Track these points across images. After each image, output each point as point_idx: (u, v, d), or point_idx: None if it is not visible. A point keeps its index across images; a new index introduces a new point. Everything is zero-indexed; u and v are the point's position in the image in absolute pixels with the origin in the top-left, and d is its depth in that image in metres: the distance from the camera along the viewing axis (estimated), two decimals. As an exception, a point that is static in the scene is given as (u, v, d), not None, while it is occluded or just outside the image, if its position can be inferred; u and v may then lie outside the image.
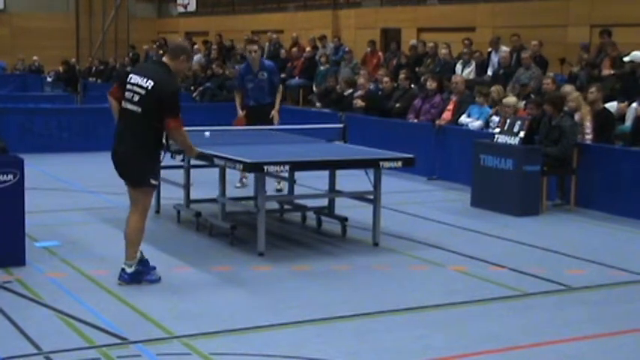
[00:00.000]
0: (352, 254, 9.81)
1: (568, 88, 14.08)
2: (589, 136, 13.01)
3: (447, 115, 15.77)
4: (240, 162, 9.31)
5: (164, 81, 7.98)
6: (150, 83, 7.92)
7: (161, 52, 31.34)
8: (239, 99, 13.84)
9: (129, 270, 8.26)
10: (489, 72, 18.80)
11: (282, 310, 7.66)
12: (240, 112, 13.71)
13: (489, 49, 19.47)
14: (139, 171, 8.14)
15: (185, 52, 8.25)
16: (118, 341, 6.72)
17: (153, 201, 11.72)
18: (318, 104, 20.15)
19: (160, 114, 7.92)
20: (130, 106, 8.03)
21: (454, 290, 8.42)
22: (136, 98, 7.97)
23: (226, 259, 9.43)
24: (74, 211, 11.93)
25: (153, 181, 8.17)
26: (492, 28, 21.25)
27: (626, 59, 15.13)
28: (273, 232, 10.51)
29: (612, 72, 15.93)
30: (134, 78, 8.06)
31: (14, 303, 7.65)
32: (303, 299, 8.03)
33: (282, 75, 23.56)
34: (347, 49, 22.95)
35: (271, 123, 13.28)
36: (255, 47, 13.84)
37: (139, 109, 7.96)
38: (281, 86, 14.14)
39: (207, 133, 11.09)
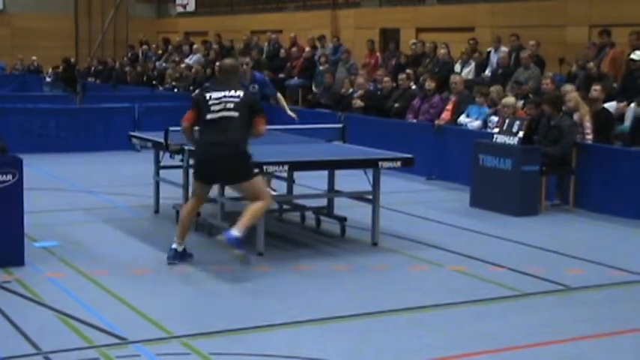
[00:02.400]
0: (351, 254, 9.81)
1: (568, 87, 14.08)
2: (589, 136, 13.00)
3: (446, 115, 15.77)
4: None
5: (247, 93, 9.25)
6: (239, 93, 8.97)
7: (160, 51, 31.47)
8: None
9: (239, 234, 8.69)
10: (488, 72, 18.80)
11: (281, 310, 7.66)
12: None
13: (489, 49, 19.47)
14: (245, 166, 8.89)
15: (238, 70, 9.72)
16: (117, 341, 6.72)
17: (152, 201, 11.82)
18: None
19: (249, 116, 8.93)
20: (225, 113, 8.85)
21: (453, 290, 8.42)
22: (231, 105, 8.86)
23: (225, 259, 9.42)
24: (73, 211, 11.92)
25: (252, 170, 8.94)
26: (491, 28, 21.24)
27: (633, 56, 15.10)
28: (272, 232, 10.50)
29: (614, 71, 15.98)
30: (215, 94, 8.96)
31: (13, 303, 7.65)
32: (303, 299, 8.03)
33: (281, 75, 23.60)
34: (345, 49, 22.94)
35: None
36: (248, 60, 13.58)
37: (236, 114, 8.84)
38: (279, 93, 13.89)
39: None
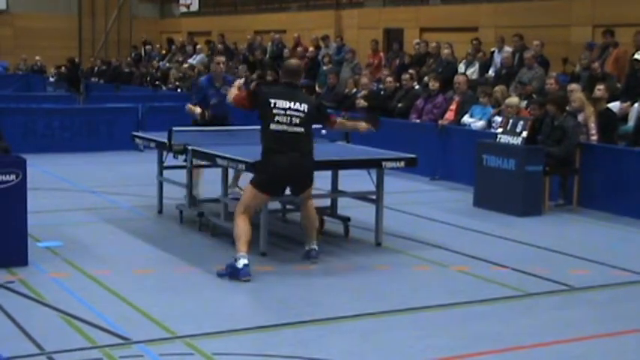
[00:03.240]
0: (355, 254, 9.81)
1: (574, 86, 14.06)
2: (594, 137, 12.98)
3: (449, 115, 15.76)
4: (242, 162, 9.31)
5: (310, 101, 9.10)
6: (305, 107, 8.84)
7: (164, 51, 31.49)
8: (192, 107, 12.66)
9: (317, 247, 9.26)
10: (491, 72, 18.79)
11: (284, 310, 7.66)
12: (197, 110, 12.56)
13: (492, 49, 19.47)
14: (311, 177, 9.12)
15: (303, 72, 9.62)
16: (121, 341, 6.72)
17: (155, 201, 11.82)
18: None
19: (317, 123, 9.16)
20: (291, 129, 8.77)
21: (456, 290, 8.41)
22: (297, 121, 8.78)
23: (229, 259, 9.41)
24: (77, 211, 11.93)
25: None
26: (495, 28, 21.24)
27: (637, 56, 15.09)
28: (275, 232, 10.50)
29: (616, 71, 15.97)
30: (281, 102, 8.78)
31: (17, 303, 7.65)
32: (306, 299, 8.03)
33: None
34: (349, 49, 22.94)
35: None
36: (224, 59, 13.47)
37: (302, 130, 8.81)
38: None
39: (323, 131, 11.20)
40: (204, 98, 12.58)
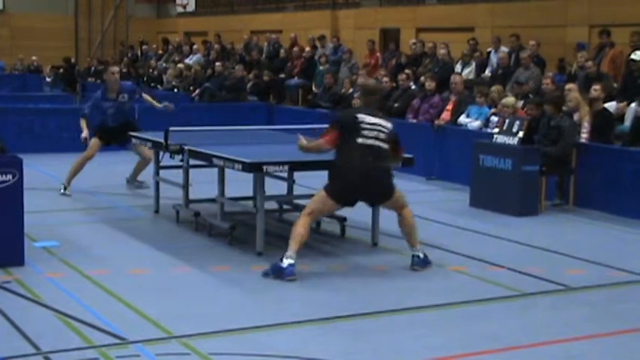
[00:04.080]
0: (351, 254, 9.81)
1: (570, 86, 14.07)
2: (585, 136, 12.98)
3: (446, 115, 15.77)
4: (239, 162, 9.30)
5: (391, 123, 9.18)
6: (389, 125, 9.01)
7: (160, 51, 31.48)
8: (85, 123, 13.13)
9: (422, 255, 9.21)
10: (488, 72, 18.80)
11: (281, 310, 7.66)
12: (85, 133, 13.05)
13: (489, 49, 19.48)
14: (388, 191, 9.08)
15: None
16: (117, 341, 6.72)
17: (152, 201, 11.82)
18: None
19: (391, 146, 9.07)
20: (377, 143, 8.85)
21: (453, 290, 8.42)
22: (382, 136, 8.89)
23: (225, 259, 9.43)
24: (73, 211, 11.93)
25: (394, 186, 9.15)
26: (491, 28, 21.25)
27: (633, 56, 15.10)
28: (272, 232, 10.50)
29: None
30: (369, 118, 8.90)
31: (13, 303, 7.65)
32: (302, 299, 8.03)
33: (282, 75, 23.61)
34: (346, 49, 22.95)
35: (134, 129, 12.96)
36: (117, 69, 13.41)
37: (386, 146, 8.92)
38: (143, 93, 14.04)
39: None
40: (98, 111, 13.00)
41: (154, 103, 14.06)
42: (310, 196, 10.94)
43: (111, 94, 13.04)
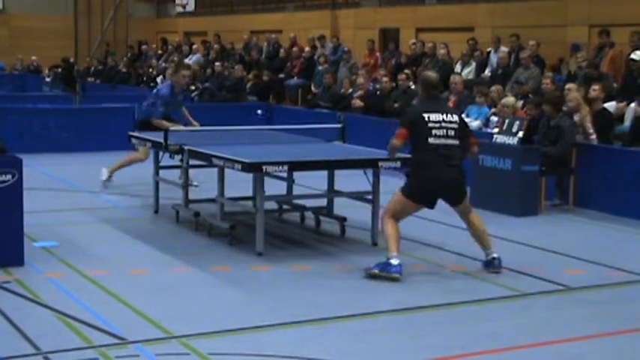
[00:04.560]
0: (351, 254, 9.81)
1: (570, 85, 14.06)
2: (593, 136, 12.96)
3: (445, 115, 15.74)
4: (238, 162, 9.30)
5: (457, 112, 9.26)
6: (455, 117, 8.95)
7: (160, 51, 31.46)
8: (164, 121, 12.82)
9: (497, 255, 9.13)
10: (487, 72, 18.80)
11: (280, 310, 7.66)
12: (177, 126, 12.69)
13: (489, 49, 19.48)
14: (465, 189, 9.14)
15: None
16: (117, 341, 6.72)
17: (151, 201, 11.82)
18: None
19: (464, 140, 9.02)
20: (448, 141, 8.82)
21: (453, 290, 8.42)
22: (452, 133, 8.83)
23: (225, 259, 9.43)
24: (73, 211, 11.92)
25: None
26: (491, 28, 21.24)
27: (633, 56, 15.12)
28: (271, 232, 10.50)
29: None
30: (434, 115, 8.82)
31: (13, 303, 7.65)
32: (302, 299, 8.03)
33: (281, 75, 23.62)
34: (346, 49, 22.95)
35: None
36: (189, 72, 13.77)
37: (457, 142, 8.87)
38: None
39: (259, 111, 11.24)
40: (167, 108, 13.06)
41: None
42: (310, 196, 11.01)
43: (177, 92, 13.29)
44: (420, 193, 8.94)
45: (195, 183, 13.05)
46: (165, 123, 12.59)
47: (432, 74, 9.46)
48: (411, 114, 9.11)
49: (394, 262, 8.67)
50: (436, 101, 9.15)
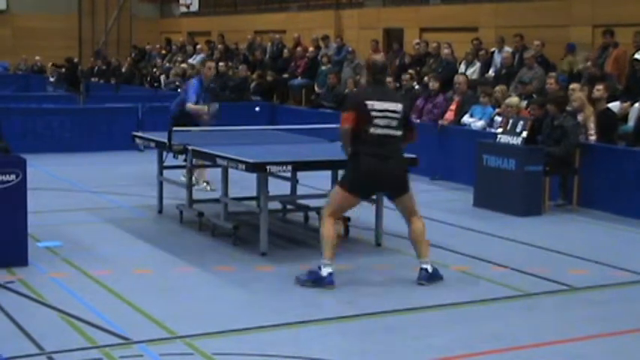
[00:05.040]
0: (355, 254, 9.80)
1: (574, 85, 14.05)
2: (593, 137, 12.99)
3: (449, 115, 15.76)
4: (242, 162, 9.31)
5: (403, 99, 8.95)
6: (399, 107, 8.60)
7: (163, 52, 31.48)
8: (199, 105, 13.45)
9: (430, 269, 8.70)
10: (491, 72, 18.79)
11: (284, 310, 7.66)
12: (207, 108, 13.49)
13: (493, 49, 19.46)
14: (406, 181, 8.77)
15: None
16: (121, 341, 6.73)
17: (155, 201, 11.83)
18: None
19: (406, 129, 8.72)
20: (390, 132, 8.51)
21: (457, 290, 8.41)
22: (394, 123, 8.53)
23: (229, 259, 9.43)
24: (76, 211, 11.93)
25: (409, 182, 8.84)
26: (495, 28, 21.22)
27: (637, 56, 15.11)
28: (275, 232, 10.50)
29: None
30: (378, 104, 8.48)
31: (17, 303, 7.65)
32: (306, 299, 8.03)
33: (285, 75, 23.61)
34: (350, 49, 22.94)
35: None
36: (214, 64, 14.26)
37: (399, 133, 8.59)
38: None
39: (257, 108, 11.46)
40: (197, 99, 13.34)
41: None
42: (314, 196, 10.99)
43: (206, 85, 13.76)
44: (360, 186, 8.58)
45: (211, 187, 13.15)
46: (199, 106, 13.17)
47: (378, 58, 9.14)
48: (354, 99, 8.83)
49: (324, 273, 8.34)
50: (382, 87, 8.82)
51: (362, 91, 8.95)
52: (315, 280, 8.36)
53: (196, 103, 13.25)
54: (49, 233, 10.31)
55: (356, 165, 8.53)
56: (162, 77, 27.44)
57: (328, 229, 8.48)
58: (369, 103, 8.48)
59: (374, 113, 8.45)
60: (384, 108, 8.49)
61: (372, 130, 8.44)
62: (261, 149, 10.38)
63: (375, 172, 8.48)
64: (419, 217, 8.83)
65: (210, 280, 8.63)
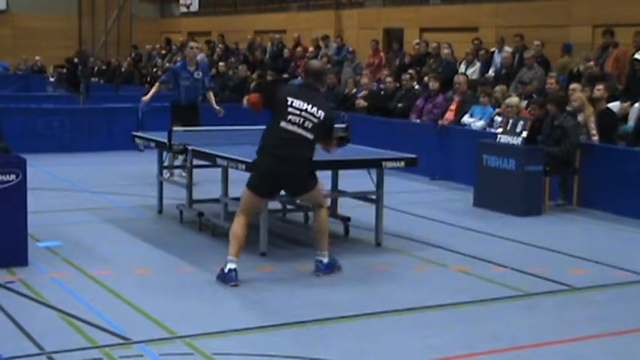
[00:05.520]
0: (355, 254, 9.80)
1: (575, 85, 14.06)
2: (595, 137, 12.97)
3: (449, 115, 15.76)
4: (242, 162, 9.30)
5: (330, 112, 8.84)
6: (321, 114, 8.52)
7: (163, 52, 31.49)
8: (156, 90, 14.71)
9: (325, 260, 8.80)
10: (491, 72, 18.79)
11: (284, 310, 7.66)
12: (146, 98, 14.87)
13: (493, 49, 19.47)
14: (305, 182, 8.73)
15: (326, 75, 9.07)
16: (121, 341, 6.72)
17: (155, 201, 11.83)
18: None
19: (321, 136, 8.65)
20: (300, 131, 8.46)
21: (457, 290, 8.41)
22: (309, 125, 8.47)
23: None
24: (76, 211, 11.93)
25: (313, 179, 8.80)
26: (495, 28, 21.24)
27: (637, 56, 15.11)
28: (275, 232, 10.50)
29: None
30: (297, 102, 8.49)
31: (17, 303, 7.65)
32: (306, 299, 8.03)
33: (285, 75, 23.60)
34: (350, 49, 22.94)
35: (197, 122, 13.91)
36: (197, 44, 14.64)
37: (311, 136, 8.51)
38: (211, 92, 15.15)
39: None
40: (174, 81, 14.26)
41: (212, 101, 14.88)
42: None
43: (190, 67, 14.25)
44: (260, 184, 8.61)
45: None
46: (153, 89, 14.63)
47: (315, 63, 9.13)
48: (278, 91, 8.76)
49: (226, 269, 8.36)
50: (309, 90, 8.73)
51: (289, 87, 9.03)
52: (222, 278, 8.40)
53: (165, 83, 14.51)
54: (49, 233, 10.31)
55: (258, 164, 8.63)
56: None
57: (235, 226, 8.58)
58: (289, 99, 8.52)
59: (290, 109, 8.46)
60: (304, 108, 8.48)
61: (284, 124, 8.46)
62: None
63: (271, 172, 8.54)
64: (325, 209, 8.97)
65: (210, 280, 8.62)
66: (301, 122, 8.45)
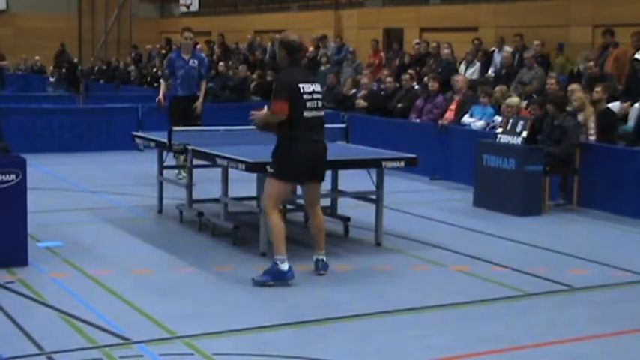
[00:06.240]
0: (355, 254, 9.81)
1: (574, 85, 14.07)
2: (592, 137, 12.99)
3: (449, 115, 15.77)
4: (242, 162, 9.30)
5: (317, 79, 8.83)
6: (319, 87, 8.58)
7: (163, 52, 31.50)
8: (164, 88, 14.68)
9: (325, 258, 8.85)
10: (491, 72, 18.80)
11: (284, 310, 7.66)
12: (161, 95, 14.77)
13: (492, 49, 19.48)
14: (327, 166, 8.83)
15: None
16: (121, 341, 6.72)
17: (155, 201, 11.83)
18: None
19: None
20: (317, 113, 8.50)
21: (457, 290, 8.41)
22: (320, 104, 8.53)
23: (229, 259, 9.43)
24: (76, 211, 11.93)
25: None
26: (495, 28, 21.25)
27: (637, 56, 15.12)
28: (275, 232, 10.48)
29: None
30: (306, 86, 8.44)
31: (17, 303, 7.65)
32: (306, 299, 8.03)
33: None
34: (350, 49, 22.94)
35: (195, 116, 14.05)
36: (190, 35, 14.55)
37: (322, 113, 8.60)
38: (206, 82, 15.07)
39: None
40: (173, 70, 14.26)
41: (202, 91, 14.69)
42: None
43: (184, 55, 14.34)
44: (296, 172, 8.47)
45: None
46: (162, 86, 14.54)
47: (293, 36, 8.70)
48: (287, 84, 8.39)
49: (284, 267, 8.32)
50: (302, 68, 8.70)
51: (290, 74, 8.55)
52: (276, 277, 8.33)
53: (169, 75, 14.42)
54: (49, 233, 10.31)
55: (290, 151, 8.44)
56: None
57: (276, 223, 8.46)
58: (300, 86, 8.39)
59: (306, 96, 8.39)
60: (312, 90, 8.46)
61: (307, 113, 8.41)
62: (260, 149, 10.36)
63: (315, 155, 8.53)
64: (320, 208, 8.96)
65: (210, 279, 8.63)
66: (316, 105, 8.47)
